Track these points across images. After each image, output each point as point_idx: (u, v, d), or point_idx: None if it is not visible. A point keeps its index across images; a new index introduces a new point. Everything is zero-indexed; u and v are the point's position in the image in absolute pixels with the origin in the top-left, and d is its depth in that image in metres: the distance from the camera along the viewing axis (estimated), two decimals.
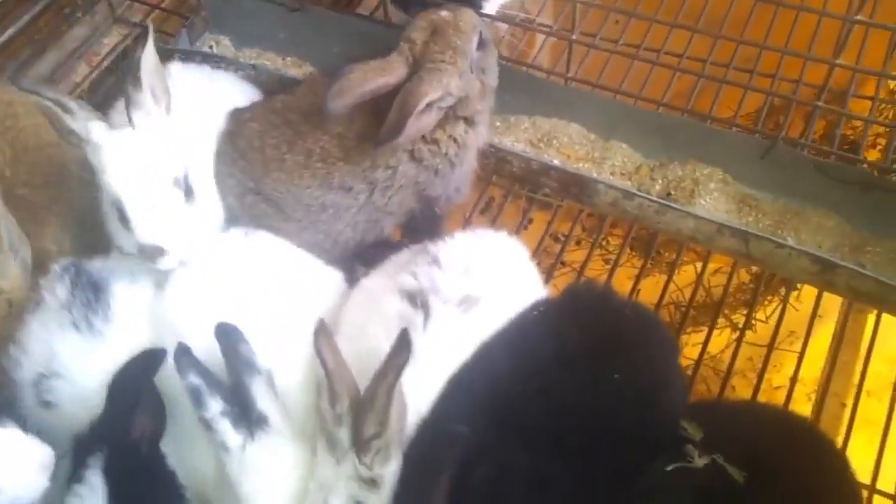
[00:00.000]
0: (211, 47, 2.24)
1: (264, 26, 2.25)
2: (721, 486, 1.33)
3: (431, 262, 1.59)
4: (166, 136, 1.65)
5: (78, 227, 1.81)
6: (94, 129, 1.59)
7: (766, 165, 1.89)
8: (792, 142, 1.88)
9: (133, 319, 1.63)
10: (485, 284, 1.58)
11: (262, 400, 1.42)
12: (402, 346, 1.32)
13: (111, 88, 2.53)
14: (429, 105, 1.70)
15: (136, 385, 1.45)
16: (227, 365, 1.43)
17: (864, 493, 1.69)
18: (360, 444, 1.32)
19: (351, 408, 1.34)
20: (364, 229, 1.89)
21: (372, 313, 1.57)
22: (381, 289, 1.60)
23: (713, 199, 1.88)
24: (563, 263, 2.37)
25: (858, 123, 2.58)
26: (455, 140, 1.82)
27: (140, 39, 2.53)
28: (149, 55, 1.63)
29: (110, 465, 1.39)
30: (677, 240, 2.06)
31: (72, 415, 1.52)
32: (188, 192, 1.65)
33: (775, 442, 1.44)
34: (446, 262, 1.58)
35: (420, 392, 1.45)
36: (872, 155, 2.40)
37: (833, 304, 2.20)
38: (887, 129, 2.25)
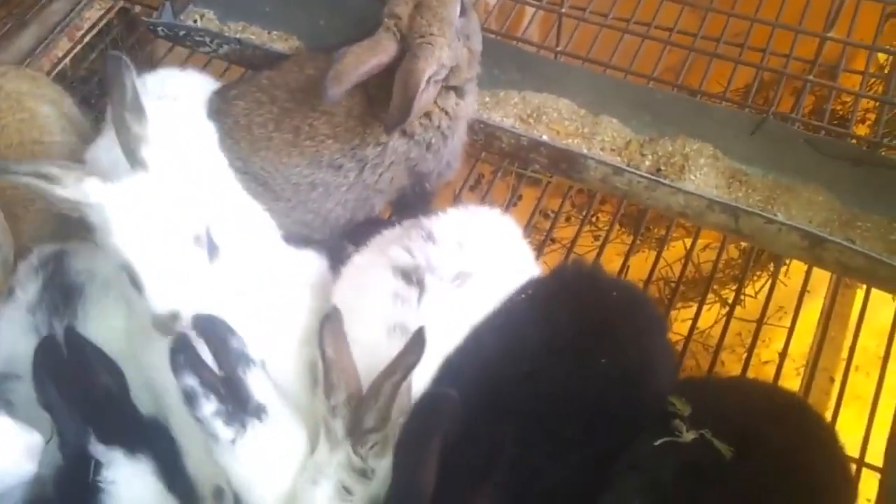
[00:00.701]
0: (195, 21, 2.20)
1: None
2: (708, 462, 1.32)
3: (426, 238, 1.57)
4: (181, 178, 1.45)
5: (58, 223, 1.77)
6: (91, 189, 1.38)
7: (757, 140, 1.88)
8: (782, 116, 1.87)
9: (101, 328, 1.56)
10: (478, 260, 1.57)
11: (260, 390, 1.39)
12: (415, 346, 1.31)
13: (93, 63, 2.52)
14: (427, 81, 1.67)
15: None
16: (217, 359, 1.38)
17: (853, 466, 1.71)
18: (358, 435, 1.31)
19: (348, 399, 1.33)
20: (354, 207, 1.86)
21: (366, 290, 1.54)
22: (374, 265, 1.57)
23: (703, 175, 1.87)
24: (552, 240, 2.36)
25: (848, 99, 2.58)
26: (446, 112, 1.79)
27: (121, 14, 2.51)
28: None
29: None
30: (667, 216, 2.05)
31: (29, 419, 1.46)
32: (211, 249, 1.45)
33: (764, 417, 1.44)
34: (440, 238, 1.57)
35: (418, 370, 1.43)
36: (862, 130, 2.40)
37: (821, 279, 2.21)
38: (876, 105, 2.25)
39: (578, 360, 1.47)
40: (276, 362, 1.50)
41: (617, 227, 2.41)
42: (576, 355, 1.47)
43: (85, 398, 1.39)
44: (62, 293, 1.56)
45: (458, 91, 1.80)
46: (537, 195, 2.35)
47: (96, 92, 2.47)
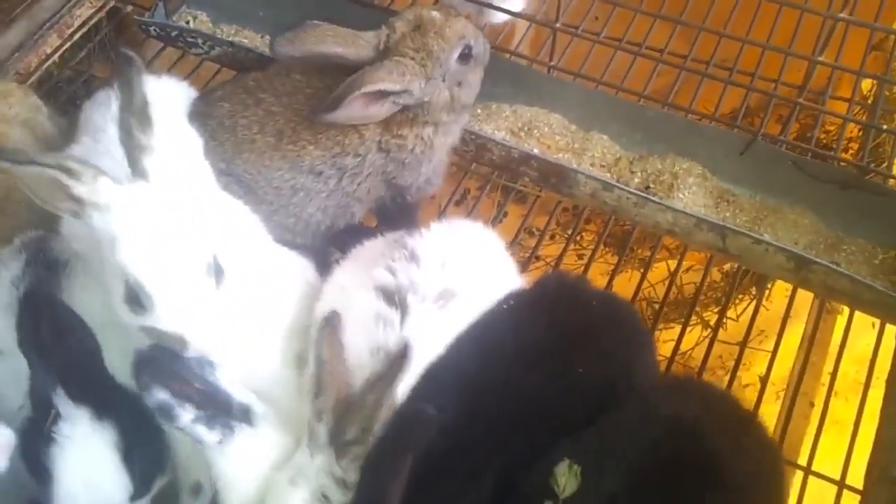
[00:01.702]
0: (188, 22, 2.19)
1: (243, 2, 2.20)
2: None
3: (409, 258, 1.54)
4: (190, 195, 1.42)
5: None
6: (103, 188, 1.32)
7: (745, 161, 1.89)
8: (771, 139, 1.88)
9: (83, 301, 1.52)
10: (462, 278, 1.55)
11: (239, 392, 1.37)
12: (399, 361, 1.30)
13: (81, 63, 2.49)
14: (382, 94, 1.68)
15: None
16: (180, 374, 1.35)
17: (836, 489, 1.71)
18: (339, 447, 1.28)
19: (336, 406, 1.30)
20: (334, 214, 1.86)
21: (348, 311, 1.48)
22: (357, 285, 1.54)
23: (692, 194, 1.88)
24: (537, 258, 2.36)
25: (832, 128, 2.62)
26: (422, 139, 1.80)
27: (113, 14, 2.49)
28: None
29: None
30: (653, 236, 2.06)
31: (7, 395, 1.49)
32: (218, 274, 1.40)
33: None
34: (424, 257, 1.53)
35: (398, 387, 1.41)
36: (846, 157, 2.43)
37: (804, 305, 2.22)
38: (860, 134, 2.28)
39: (557, 370, 1.45)
40: (260, 357, 1.49)
41: (602, 247, 2.41)
42: (555, 365, 1.46)
43: (60, 354, 1.37)
44: (45, 267, 1.55)
45: (436, 126, 1.80)
46: (523, 212, 2.35)
47: (82, 92, 2.44)
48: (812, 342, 2.12)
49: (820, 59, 1.70)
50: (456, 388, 1.41)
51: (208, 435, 1.32)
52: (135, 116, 1.36)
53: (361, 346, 1.41)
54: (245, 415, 1.35)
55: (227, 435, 1.33)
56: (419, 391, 1.42)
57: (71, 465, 1.37)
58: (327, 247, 1.88)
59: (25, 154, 1.34)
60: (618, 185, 1.85)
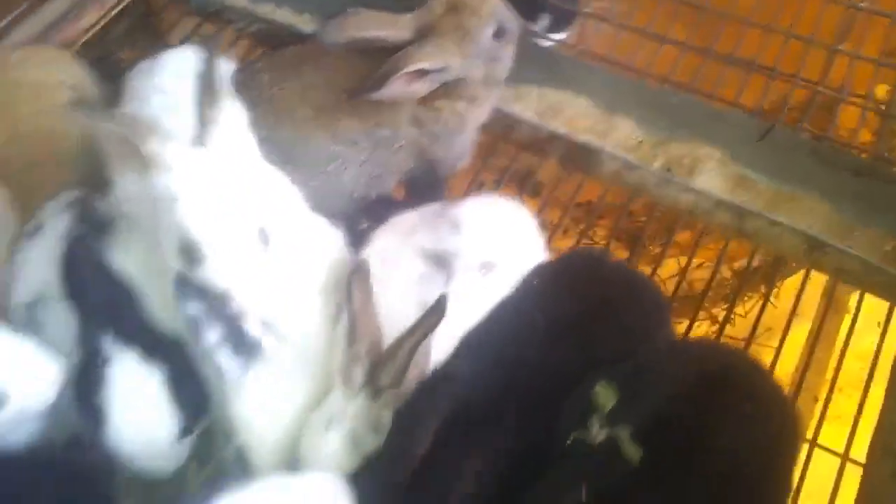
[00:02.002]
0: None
1: None
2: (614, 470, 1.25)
3: (451, 227, 1.62)
4: (242, 164, 1.54)
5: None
6: (170, 151, 1.42)
7: (764, 147, 1.96)
8: (790, 125, 1.95)
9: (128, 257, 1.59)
10: (501, 250, 1.63)
11: (262, 332, 1.44)
12: (437, 309, 1.36)
13: (118, 37, 2.55)
14: (422, 72, 1.75)
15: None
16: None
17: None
18: (373, 392, 1.35)
19: (370, 352, 1.37)
20: (367, 184, 1.92)
21: (391, 274, 1.57)
22: (400, 250, 1.62)
23: (711, 177, 1.94)
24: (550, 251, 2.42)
25: (845, 132, 2.68)
26: (456, 113, 1.87)
27: None
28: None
29: None
30: (664, 233, 2.11)
31: (58, 341, 1.52)
32: (265, 240, 1.51)
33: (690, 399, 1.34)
34: (465, 227, 1.61)
35: (440, 348, 1.46)
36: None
37: (811, 303, 2.27)
38: (872, 137, 2.34)
39: (580, 344, 1.50)
40: (296, 316, 1.54)
41: (614, 241, 2.47)
42: (578, 339, 1.51)
43: (106, 303, 1.47)
44: (92, 224, 1.60)
45: (469, 101, 1.88)
46: (537, 206, 2.42)
47: (120, 67, 2.51)
48: (817, 339, 2.18)
49: (839, 47, 1.77)
50: (490, 360, 1.47)
51: (229, 363, 1.39)
52: (208, 90, 1.48)
53: (408, 308, 1.47)
54: (262, 352, 1.42)
55: (244, 369, 1.40)
56: (456, 358, 1.47)
57: (121, 404, 1.45)
58: (359, 216, 1.95)
59: (102, 111, 1.42)
60: (640, 165, 1.93)
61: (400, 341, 1.34)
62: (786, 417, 1.36)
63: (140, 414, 1.45)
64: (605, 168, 1.97)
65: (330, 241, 1.77)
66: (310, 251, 1.68)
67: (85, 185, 1.71)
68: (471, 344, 1.47)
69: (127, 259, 1.56)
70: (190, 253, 1.39)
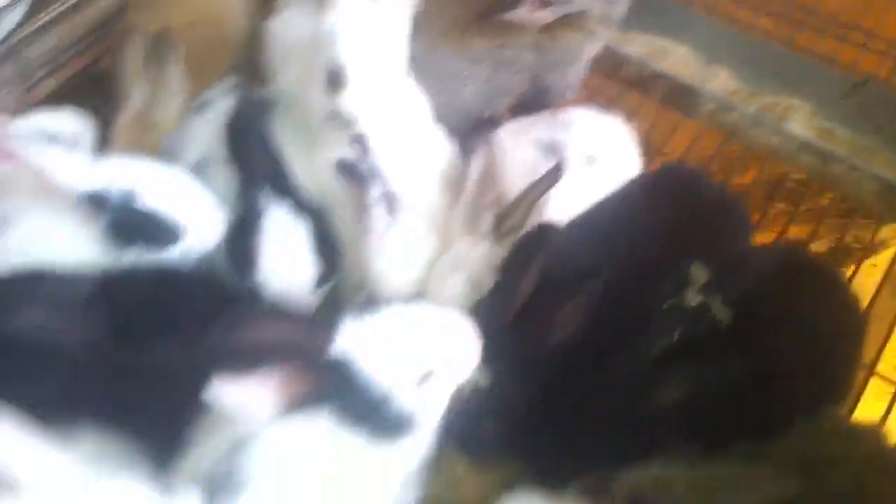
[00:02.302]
0: None
1: None
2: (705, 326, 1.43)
3: (564, 124, 1.83)
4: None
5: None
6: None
7: (853, 104, 2.12)
8: (881, 83, 2.11)
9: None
10: (606, 149, 1.82)
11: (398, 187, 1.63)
12: (556, 170, 1.57)
13: None
14: (547, 2, 1.88)
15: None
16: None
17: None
18: (497, 238, 1.55)
19: (495, 202, 1.57)
20: (483, 102, 2.09)
21: (505, 160, 1.76)
22: (515, 140, 1.81)
23: (799, 125, 2.11)
24: None
25: None
26: (573, 44, 2.03)
27: None
28: None
29: None
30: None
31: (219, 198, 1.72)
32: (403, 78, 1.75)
33: (775, 283, 1.53)
34: (577, 125, 1.82)
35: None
36: None
37: None
38: None
39: (674, 240, 1.65)
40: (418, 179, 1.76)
41: None
42: (672, 236, 1.65)
43: (264, 165, 1.68)
44: (253, 101, 1.82)
45: (586, 35, 2.03)
46: None
47: None
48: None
49: None
50: (592, 233, 1.65)
51: (379, 219, 1.59)
52: None
53: (517, 186, 1.66)
54: (401, 208, 1.61)
55: (389, 225, 1.60)
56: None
57: (271, 251, 1.64)
58: (472, 133, 2.16)
59: None
60: (735, 107, 2.11)
61: (522, 196, 1.54)
62: (857, 314, 1.54)
63: (285, 261, 1.65)
64: (703, 108, 2.15)
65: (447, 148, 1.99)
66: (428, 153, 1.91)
67: (247, 71, 1.96)
68: (575, 222, 1.67)
69: (283, 133, 1.79)
70: (334, 81, 1.60)
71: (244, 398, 1.20)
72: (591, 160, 1.78)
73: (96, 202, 1.52)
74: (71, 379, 1.32)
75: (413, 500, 1.56)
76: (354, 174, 1.62)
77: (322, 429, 1.29)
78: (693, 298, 1.44)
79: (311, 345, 1.25)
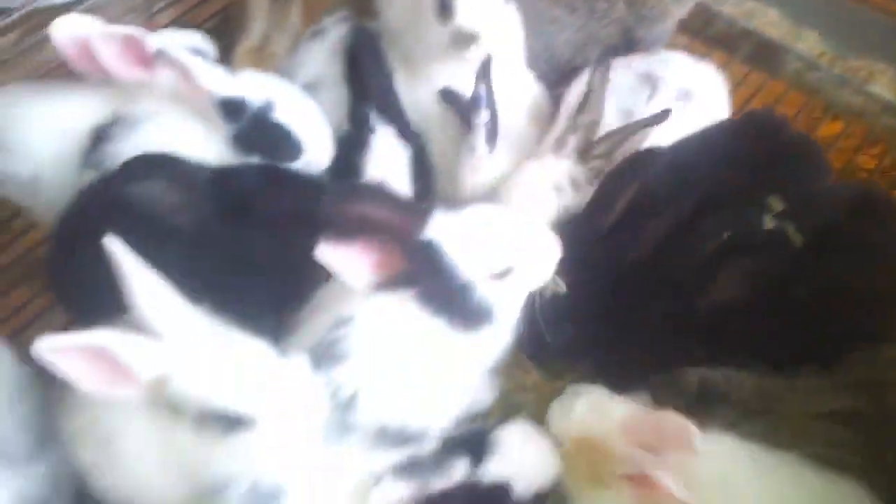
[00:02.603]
0: None
1: None
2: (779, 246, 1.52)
3: (662, 61, 1.94)
4: None
5: None
6: None
7: None
8: None
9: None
10: (700, 86, 1.91)
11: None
12: (661, 115, 1.67)
13: None
14: None
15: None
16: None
17: None
18: (582, 156, 1.66)
19: (589, 126, 1.68)
20: (574, 51, 2.19)
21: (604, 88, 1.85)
22: (615, 71, 1.89)
23: (883, 88, 2.16)
24: None
25: None
26: (663, 2, 2.13)
27: None
28: None
29: None
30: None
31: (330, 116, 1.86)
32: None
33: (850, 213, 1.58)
34: (675, 62, 1.93)
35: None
36: None
37: None
38: None
39: (756, 178, 1.70)
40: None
41: None
42: (748, 182, 1.69)
43: (376, 90, 1.83)
44: (364, 32, 1.95)
45: None
46: None
47: None
48: None
49: None
50: (680, 163, 1.70)
51: (482, 144, 1.72)
52: None
53: (610, 114, 1.81)
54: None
55: (489, 149, 1.73)
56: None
57: (376, 165, 1.74)
58: (561, 80, 2.27)
59: None
60: (821, 67, 2.17)
61: (622, 128, 1.65)
62: None
63: (388, 176, 1.76)
64: (789, 67, 2.22)
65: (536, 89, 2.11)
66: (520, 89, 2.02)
67: (355, 5, 2.12)
68: (667, 152, 1.74)
69: (392, 61, 1.94)
70: (444, 9, 1.73)
71: (346, 262, 1.34)
72: (686, 96, 1.88)
73: (234, 108, 1.68)
74: (181, 257, 1.43)
75: (487, 397, 1.70)
76: (458, 102, 1.74)
77: (410, 312, 1.43)
78: (769, 223, 1.53)
79: (407, 227, 1.37)
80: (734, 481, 1.30)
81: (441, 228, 1.39)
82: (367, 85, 1.86)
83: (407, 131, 1.86)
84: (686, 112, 1.86)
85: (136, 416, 1.33)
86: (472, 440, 1.35)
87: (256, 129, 1.69)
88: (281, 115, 1.71)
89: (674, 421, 1.23)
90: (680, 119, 1.82)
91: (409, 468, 1.26)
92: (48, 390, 1.56)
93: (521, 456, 1.35)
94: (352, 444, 1.43)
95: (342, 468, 1.37)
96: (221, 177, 1.60)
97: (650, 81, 1.87)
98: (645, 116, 1.78)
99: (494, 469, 1.31)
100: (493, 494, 1.30)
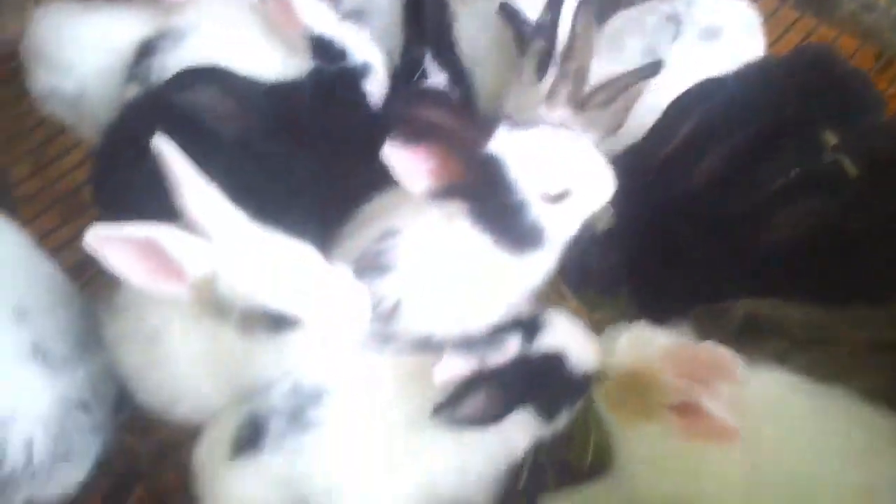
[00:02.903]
0: None
1: None
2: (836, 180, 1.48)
3: (688, 2, 1.87)
4: None
5: None
6: None
7: None
8: None
9: None
10: (728, 23, 1.85)
11: None
12: (654, 65, 1.61)
13: None
14: None
15: None
16: None
17: None
18: (576, 105, 1.62)
19: (577, 71, 1.62)
20: None
21: (630, 23, 1.88)
22: (641, 9, 1.89)
23: None
24: None
25: None
26: None
27: None
28: None
29: None
30: None
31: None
32: None
33: None
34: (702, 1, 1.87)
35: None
36: None
37: None
38: None
39: (808, 113, 1.64)
40: None
41: None
42: (803, 115, 1.63)
43: (435, 36, 1.79)
44: None
45: None
46: None
47: None
48: None
49: None
50: (735, 100, 1.65)
51: (534, 74, 1.70)
52: None
53: (635, 51, 1.78)
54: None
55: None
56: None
57: None
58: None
59: None
60: (877, 7, 2.11)
61: (617, 78, 1.61)
62: None
63: None
64: (844, 9, 2.16)
65: None
66: None
67: None
68: (728, 83, 1.68)
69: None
70: None
71: (408, 166, 1.33)
72: (713, 35, 1.83)
73: (325, 49, 1.69)
74: (230, 168, 1.39)
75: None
76: (515, 21, 1.72)
77: (459, 229, 1.42)
78: (825, 157, 1.50)
79: (471, 138, 1.36)
80: (783, 414, 1.28)
81: (505, 143, 1.38)
82: (425, 27, 1.82)
83: (460, 77, 1.83)
84: (713, 51, 1.82)
85: (181, 318, 1.34)
86: (523, 321, 1.35)
87: (336, 76, 1.69)
88: (358, 57, 1.72)
89: (715, 351, 1.20)
90: (705, 59, 1.79)
91: (467, 345, 1.26)
92: (90, 298, 1.60)
93: (570, 334, 1.35)
94: (391, 353, 1.44)
95: (382, 375, 1.37)
96: (277, 91, 1.59)
97: (675, 20, 1.82)
98: (669, 57, 1.75)
99: (547, 342, 1.32)
100: (548, 365, 1.31)
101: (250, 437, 1.32)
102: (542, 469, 1.56)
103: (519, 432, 1.37)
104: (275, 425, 1.31)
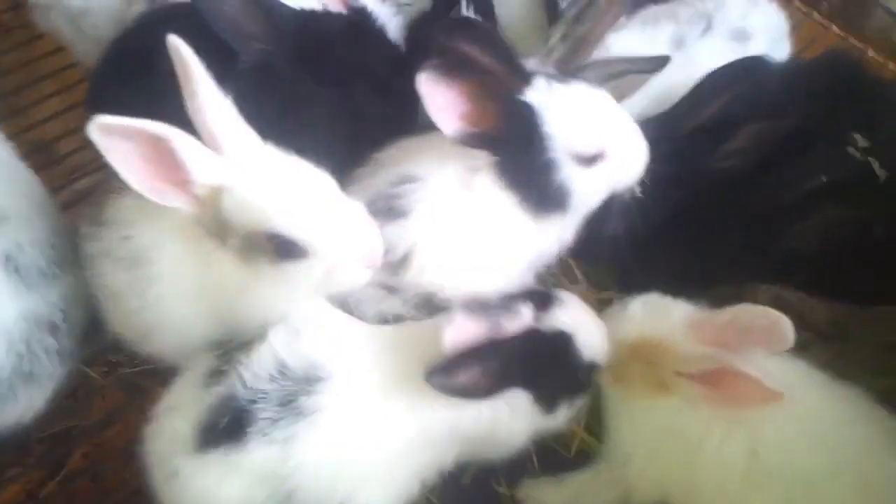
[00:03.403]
0: None
1: None
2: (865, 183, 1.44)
3: (719, 2, 1.82)
4: None
5: None
6: None
7: None
8: None
9: None
10: (759, 28, 1.81)
11: None
12: (661, 59, 1.56)
13: None
14: None
15: None
16: None
17: None
18: (565, 69, 1.52)
19: (577, 40, 1.54)
20: None
21: (666, 9, 1.82)
22: (677, 3, 1.83)
23: None
24: None
25: None
26: None
27: None
28: None
29: None
30: None
31: None
32: None
33: None
34: (731, 2, 1.82)
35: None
36: None
37: None
38: None
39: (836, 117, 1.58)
40: None
41: None
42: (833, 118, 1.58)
43: None
44: None
45: None
46: None
47: None
48: None
49: None
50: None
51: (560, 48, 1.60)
52: None
53: (668, 31, 1.74)
54: None
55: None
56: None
57: None
58: None
59: None
60: None
61: (616, 60, 1.55)
62: None
63: None
64: (875, 23, 2.13)
65: None
66: None
67: None
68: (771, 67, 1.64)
69: None
70: None
71: (441, 102, 1.24)
72: (742, 36, 1.79)
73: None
74: (247, 90, 1.28)
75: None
76: None
77: (481, 183, 1.34)
78: (855, 158, 1.45)
79: (509, 82, 1.28)
80: (791, 405, 1.21)
81: (543, 94, 1.30)
82: None
83: (489, 12, 1.73)
84: (740, 52, 1.72)
85: (173, 239, 1.22)
86: (537, 292, 1.28)
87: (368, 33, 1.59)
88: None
89: (774, 315, 1.14)
90: (731, 58, 1.70)
91: (480, 307, 1.16)
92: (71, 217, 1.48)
93: (581, 316, 1.27)
94: (396, 307, 1.36)
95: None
96: (308, 18, 1.49)
97: (706, 17, 1.77)
98: (696, 50, 1.73)
99: (558, 318, 1.24)
100: (556, 342, 1.23)
101: (228, 426, 1.12)
102: (526, 454, 1.46)
103: (518, 422, 1.27)
104: (262, 412, 1.12)
